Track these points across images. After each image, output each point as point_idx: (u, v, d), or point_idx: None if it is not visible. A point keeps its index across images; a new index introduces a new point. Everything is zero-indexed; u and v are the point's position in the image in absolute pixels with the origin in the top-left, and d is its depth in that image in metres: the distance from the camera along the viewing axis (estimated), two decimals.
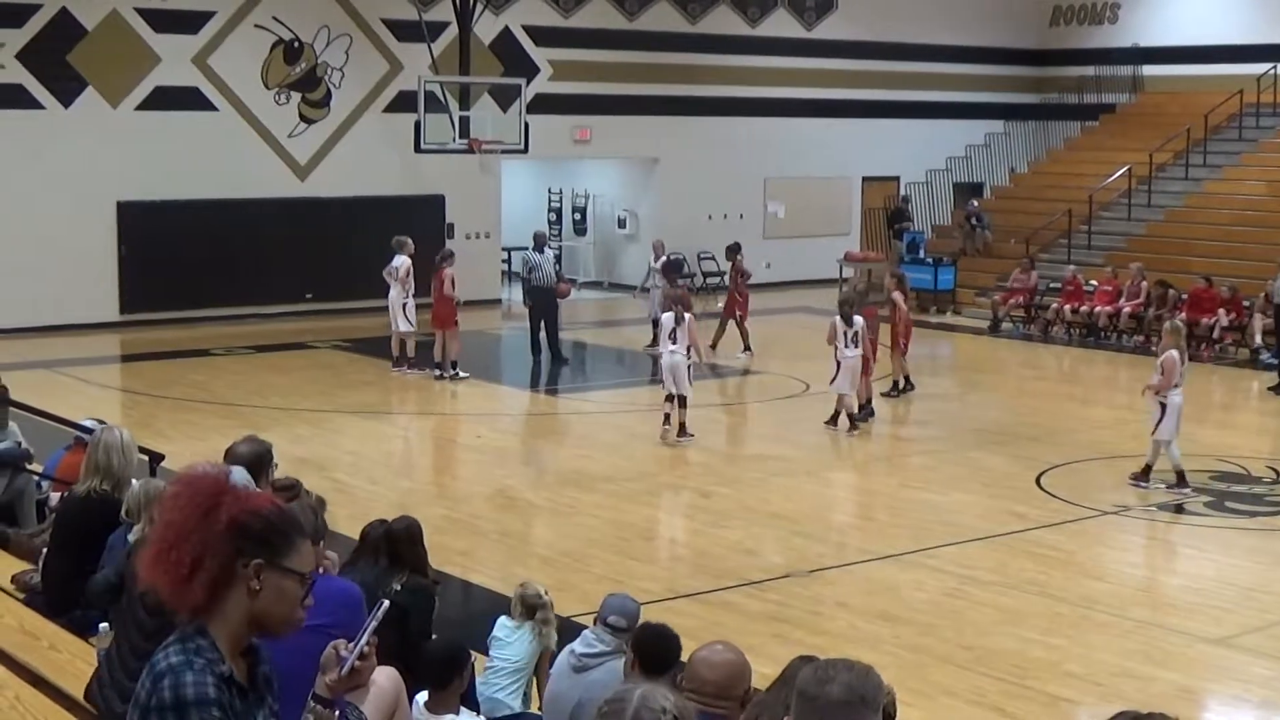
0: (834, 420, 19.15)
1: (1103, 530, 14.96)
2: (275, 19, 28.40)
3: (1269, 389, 22.66)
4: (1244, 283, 25.84)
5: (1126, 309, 26.94)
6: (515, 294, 32.56)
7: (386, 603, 3.89)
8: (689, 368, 18.19)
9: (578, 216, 35.20)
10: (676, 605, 11.51)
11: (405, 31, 29.33)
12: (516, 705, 8.39)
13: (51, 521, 9.44)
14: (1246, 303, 25.56)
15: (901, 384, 21.64)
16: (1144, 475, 16.16)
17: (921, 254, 32.26)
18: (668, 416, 18.11)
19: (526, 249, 25.20)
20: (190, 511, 3.60)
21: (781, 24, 34.80)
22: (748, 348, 24.83)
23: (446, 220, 30.19)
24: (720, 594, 12.42)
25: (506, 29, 31.06)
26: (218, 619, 3.59)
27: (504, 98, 29.31)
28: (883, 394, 21.40)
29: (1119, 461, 17.18)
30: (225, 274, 27.69)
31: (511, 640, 8.62)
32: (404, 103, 28.70)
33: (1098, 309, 27.24)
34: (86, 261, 26.47)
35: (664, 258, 25.62)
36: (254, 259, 27.97)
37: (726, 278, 25.50)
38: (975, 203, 33.82)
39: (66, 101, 26.40)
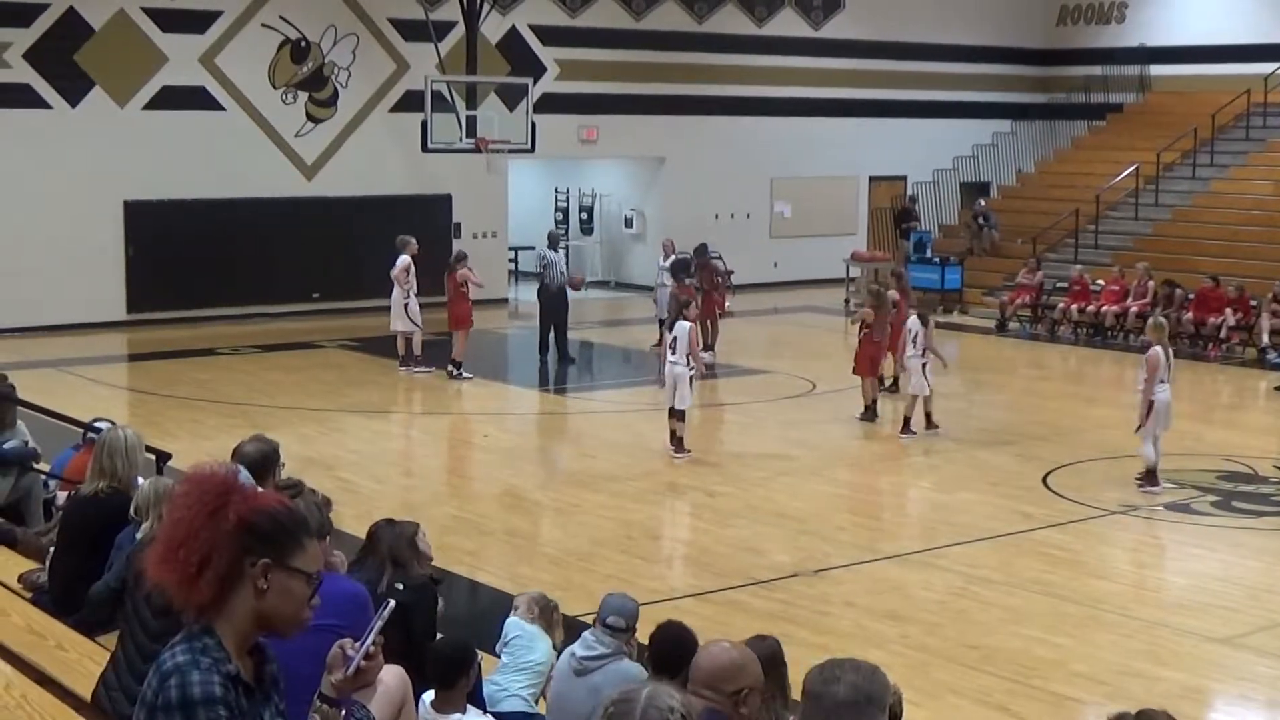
0: (905, 428, 18.97)
1: (1109, 530, 14.94)
2: (282, 18, 28.42)
3: (1276, 388, 22.65)
4: (1251, 282, 25.82)
5: (1133, 308, 26.91)
6: (522, 293, 32.64)
7: (392, 602, 3.90)
8: (690, 379, 17.70)
9: (584, 216, 35.22)
10: (683, 605, 11.51)
11: (412, 31, 29.35)
12: (538, 708, 8.38)
13: (58, 520, 9.45)
14: (1254, 302, 25.54)
15: (889, 383, 21.64)
16: (1149, 479, 16.09)
17: (928, 253, 32.27)
18: (673, 434, 17.60)
19: (540, 247, 25.15)
20: (198, 510, 3.60)
21: (788, 23, 34.79)
22: (710, 346, 24.55)
23: (453, 220, 30.21)
24: (726, 593, 12.42)
25: (513, 28, 31.07)
26: (224, 618, 3.59)
27: (511, 97, 29.34)
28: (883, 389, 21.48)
29: (1125, 461, 17.16)
30: (232, 273, 27.73)
31: (532, 643, 8.59)
32: (411, 102, 28.72)
33: (1104, 309, 27.21)
34: (93, 261, 26.51)
35: (673, 257, 25.57)
36: (261, 258, 28.00)
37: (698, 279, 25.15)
38: (982, 202, 33.80)
39: (74, 101, 26.44)
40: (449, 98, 28.03)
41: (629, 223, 34.32)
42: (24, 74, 25.94)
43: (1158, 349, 16.03)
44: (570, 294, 24.90)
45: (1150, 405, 15.86)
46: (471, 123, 28.10)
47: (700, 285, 24.61)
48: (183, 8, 27.25)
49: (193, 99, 27.50)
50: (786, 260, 34.46)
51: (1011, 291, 29.12)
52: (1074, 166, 34.45)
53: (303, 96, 28.89)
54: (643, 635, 7.63)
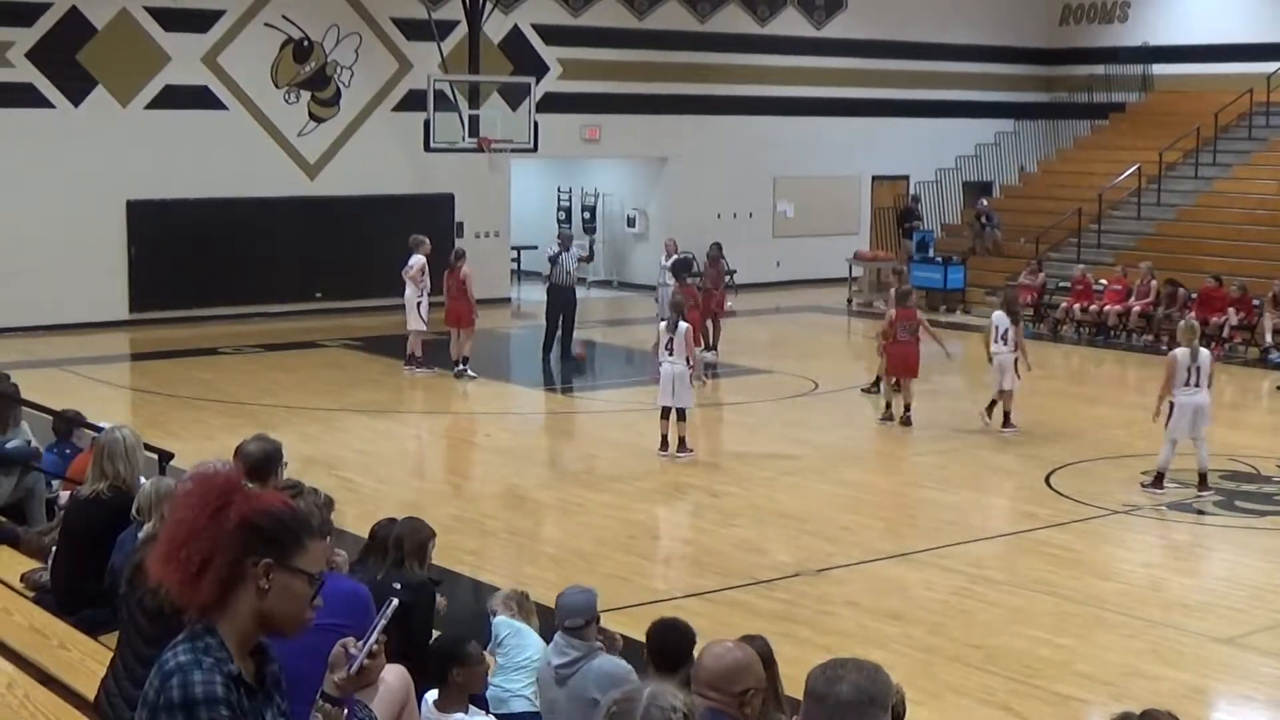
0: (1007, 421, 18.98)
1: (1112, 530, 14.93)
2: (285, 18, 28.43)
3: (1278, 388, 22.63)
4: (1254, 282, 25.80)
5: (1136, 308, 26.92)
6: (524, 293, 32.64)
7: (395, 601, 3.89)
8: (690, 379, 17.65)
9: (587, 215, 35.21)
10: (685, 604, 11.50)
11: (415, 30, 29.35)
12: (535, 702, 8.38)
13: (60, 521, 9.45)
14: (1256, 302, 25.52)
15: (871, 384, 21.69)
16: (1201, 483, 15.89)
17: (931, 253, 32.26)
18: (665, 439, 17.49)
19: (552, 247, 25.11)
20: (201, 510, 3.60)
21: (791, 23, 34.79)
22: (713, 346, 24.56)
23: (456, 219, 30.21)
24: (729, 593, 12.41)
25: (516, 28, 31.07)
26: (227, 618, 3.59)
27: (513, 96, 29.36)
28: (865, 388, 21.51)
29: (1128, 461, 17.16)
30: (234, 273, 27.74)
31: (523, 640, 8.60)
32: (413, 101, 28.73)
33: (1107, 308, 27.21)
34: (96, 260, 26.52)
35: (675, 257, 25.56)
36: (263, 258, 28.01)
37: (704, 278, 25.13)
38: (984, 202, 33.78)
39: (76, 100, 26.45)
40: (451, 97, 28.05)
41: (631, 222, 34.32)
42: (27, 73, 25.95)
43: (1174, 352, 16.00)
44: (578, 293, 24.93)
45: (1171, 407, 15.77)
46: (474, 122, 28.11)
47: (704, 285, 24.61)
48: (185, 7, 27.26)
49: (195, 98, 27.51)
50: (789, 260, 34.46)
51: (1013, 289, 29.06)
52: (1077, 166, 34.44)
53: (305, 96, 28.90)
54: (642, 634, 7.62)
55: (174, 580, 3.58)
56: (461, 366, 22.34)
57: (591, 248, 25.97)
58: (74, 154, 26.19)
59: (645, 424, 18.11)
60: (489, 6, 29.10)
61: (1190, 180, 31.66)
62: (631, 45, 32.36)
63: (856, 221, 36.10)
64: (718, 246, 25.97)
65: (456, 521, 14.19)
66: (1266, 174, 30.95)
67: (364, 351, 24.99)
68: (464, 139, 27.91)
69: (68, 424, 12.48)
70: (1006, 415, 18.94)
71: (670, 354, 17.39)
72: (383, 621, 3.79)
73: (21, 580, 9.19)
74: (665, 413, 17.48)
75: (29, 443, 12.00)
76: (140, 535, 7.38)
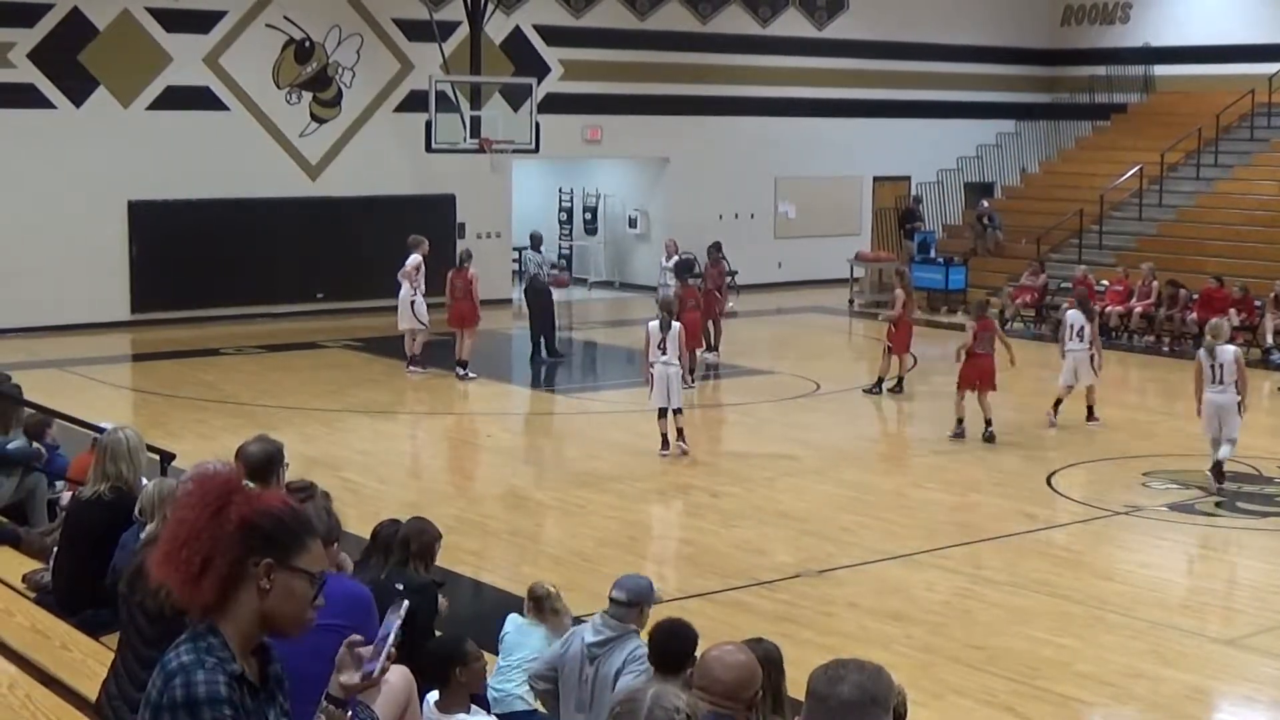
0: (1090, 416, 19.39)
1: (1114, 531, 14.94)
2: (286, 19, 28.44)
3: (1279, 389, 22.62)
4: (1255, 282, 25.80)
5: (1137, 309, 26.91)
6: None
7: (407, 603, 3.89)
8: (681, 378, 17.71)
9: (588, 216, 35.22)
10: (687, 605, 11.49)
11: (416, 31, 29.36)
12: (532, 701, 8.38)
13: (61, 521, 9.45)
14: (1258, 302, 25.52)
15: (889, 384, 21.69)
16: (1217, 475, 16.21)
17: (932, 254, 32.26)
18: (666, 439, 17.53)
19: (526, 248, 25.07)
20: (201, 510, 3.60)
21: (792, 23, 34.79)
22: (715, 347, 24.56)
23: (457, 220, 30.21)
24: (730, 594, 12.42)
25: (517, 28, 31.07)
26: (228, 618, 3.59)
27: (515, 97, 29.36)
28: (889, 390, 21.55)
29: (1130, 462, 17.18)
30: (236, 273, 27.74)
31: (523, 639, 8.62)
32: (415, 102, 28.74)
33: (1109, 309, 27.18)
34: (98, 261, 26.53)
35: (676, 257, 25.55)
36: (265, 258, 28.01)
37: (705, 279, 25.06)
38: (986, 203, 33.79)
39: (78, 101, 26.46)
40: (453, 98, 28.06)
41: (633, 223, 34.33)
42: (28, 74, 25.96)
43: (1199, 352, 16.55)
44: (555, 293, 24.89)
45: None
46: (476, 123, 28.12)
47: (705, 285, 24.58)
48: (187, 8, 27.27)
49: (197, 99, 27.51)
50: (790, 260, 34.45)
51: (1016, 288, 29.08)
52: (1078, 167, 34.44)
53: (307, 97, 28.91)
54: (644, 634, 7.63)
55: (175, 580, 3.58)
56: (463, 371, 22.32)
57: (560, 257, 25.85)
58: (75, 155, 26.20)
59: (646, 424, 18.10)
60: (490, 7, 29.11)
61: (1191, 181, 31.67)
62: (633, 46, 32.37)
63: (858, 222, 36.10)
64: (718, 246, 25.94)
65: (457, 522, 14.18)
66: (1268, 175, 30.95)
67: (365, 352, 25.00)
68: (465, 140, 27.92)
69: (39, 425, 12.48)
70: (1090, 409, 19.41)
71: (664, 354, 17.43)
72: (397, 622, 3.79)
73: (23, 581, 9.19)
74: (662, 413, 17.51)
75: (31, 443, 12.00)
76: (142, 536, 7.38)
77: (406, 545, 8.41)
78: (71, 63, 26.30)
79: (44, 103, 26.15)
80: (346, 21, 29.08)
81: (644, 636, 8.10)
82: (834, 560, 13.51)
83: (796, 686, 5.76)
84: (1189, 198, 31.28)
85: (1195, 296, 26.16)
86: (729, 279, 26.50)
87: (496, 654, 8.78)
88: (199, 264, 27.32)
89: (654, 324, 17.63)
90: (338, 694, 3.73)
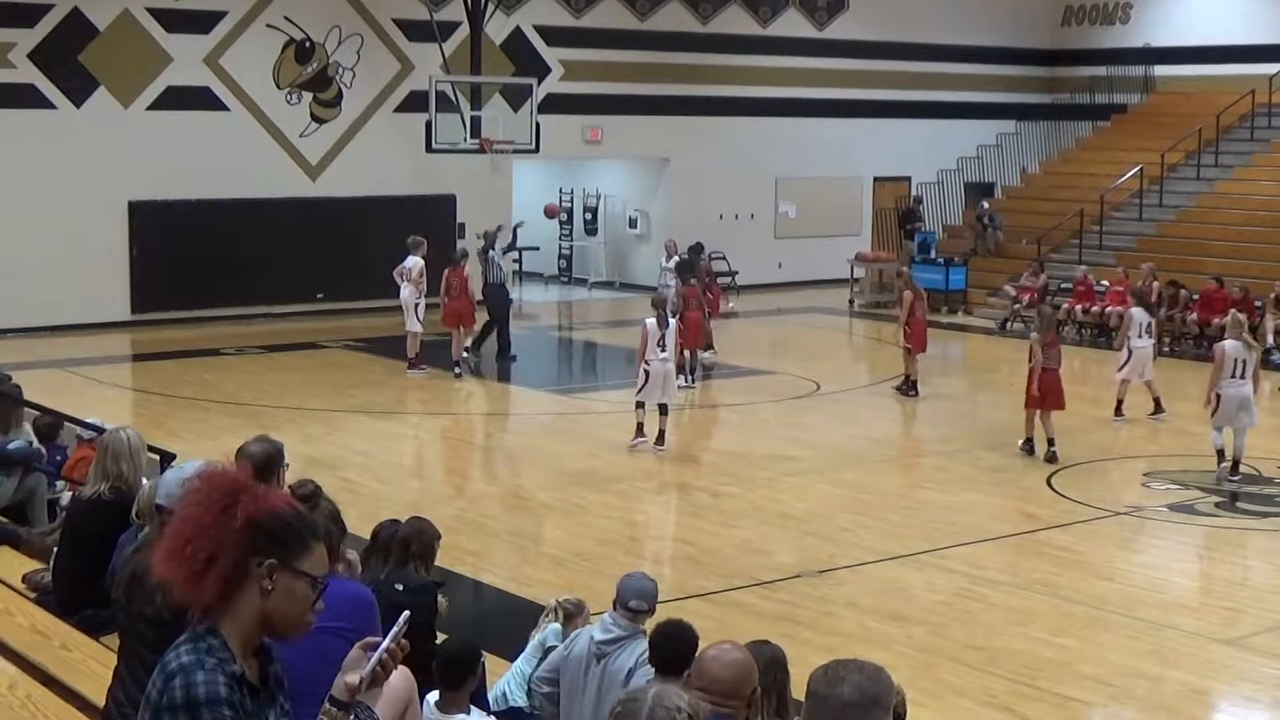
0: (1157, 409, 19.67)
1: (1114, 531, 14.94)
2: (287, 19, 28.44)
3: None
4: (1255, 283, 25.79)
5: None
6: (527, 294, 32.66)
7: (408, 613, 3.89)
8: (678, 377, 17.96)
9: (589, 216, 35.22)
10: (687, 605, 11.49)
11: (416, 31, 29.36)
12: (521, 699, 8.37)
13: (62, 522, 9.45)
14: (1258, 303, 25.50)
15: (899, 382, 21.70)
16: (1232, 469, 16.47)
17: (933, 254, 32.26)
18: (642, 427, 17.74)
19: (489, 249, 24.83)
20: (207, 507, 3.60)
21: (793, 24, 34.79)
22: (710, 346, 24.54)
23: (458, 220, 30.21)
24: (730, 594, 12.43)
25: (518, 29, 31.07)
26: (229, 618, 3.59)
27: (515, 98, 29.36)
28: (896, 389, 21.58)
29: (1130, 462, 17.19)
30: (236, 274, 27.73)
31: (530, 648, 8.57)
32: (415, 102, 28.74)
33: (1109, 309, 27.18)
34: (98, 261, 26.52)
35: (676, 257, 25.55)
36: (265, 259, 28.01)
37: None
38: (986, 204, 33.77)
39: (78, 101, 26.46)
40: (453, 98, 28.06)
41: (633, 223, 34.33)
42: (29, 74, 25.96)
43: (1226, 344, 16.81)
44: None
45: (1217, 399, 16.37)
46: (476, 123, 28.12)
47: (700, 285, 24.54)
48: (187, 8, 27.27)
49: (197, 99, 27.51)
50: (791, 261, 34.45)
51: (1018, 287, 29.05)
52: (1078, 167, 34.43)
53: (307, 97, 28.91)
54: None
55: (178, 577, 3.58)
56: (459, 369, 22.31)
57: (515, 232, 25.62)
58: (76, 155, 26.19)
59: (647, 425, 18.08)
60: (491, 8, 29.11)
61: (1192, 181, 31.66)
62: (633, 46, 32.37)
63: (858, 223, 36.09)
64: (699, 246, 26.04)
65: (458, 522, 14.19)
66: (1268, 175, 30.95)
67: (365, 352, 25.00)
68: (466, 140, 27.92)
69: (52, 426, 12.50)
70: (1157, 401, 19.74)
71: (663, 351, 17.57)
72: (396, 629, 3.79)
73: (23, 581, 9.19)
74: (640, 405, 17.71)
75: (31, 443, 12.01)
76: (139, 537, 7.37)
77: (406, 545, 8.40)
78: (72, 63, 26.30)
79: (44, 103, 26.15)
80: (347, 22, 29.08)
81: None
82: (834, 560, 13.51)
83: (797, 687, 5.75)
84: (1189, 198, 31.27)
85: (1195, 297, 26.15)
86: (729, 279, 26.47)
87: (498, 655, 8.77)
88: (199, 264, 27.31)
89: (652, 321, 17.76)
90: (341, 696, 3.73)
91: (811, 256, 34.36)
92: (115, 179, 26.54)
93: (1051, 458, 17.31)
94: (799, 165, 34.58)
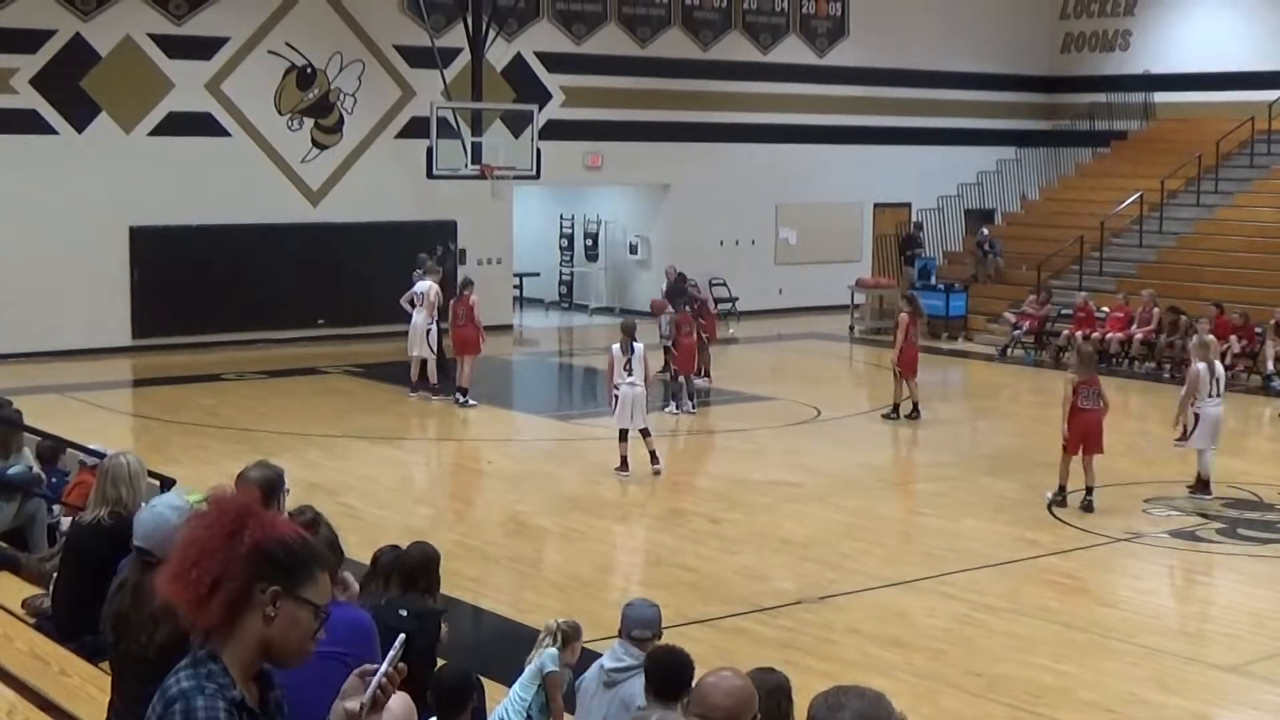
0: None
1: (1115, 557, 14.92)
2: (288, 45, 28.51)
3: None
4: (1255, 309, 25.80)
5: (1138, 335, 26.92)
6: (527, 319, 32.70)
7: (404, 636, 3.88)
8: (646, 400, 17.97)
9: (589, 242, 35.26)
10: (687, 631, 11.48)
11: (418, 58, 29.42)
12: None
13: (61, 547, 9.44)
14: (1258, 329, 25.52)
15: (905, 409, 21.68)
16: (1202, 488, 16.65)
17: (933, 280, 32.29)
18: (626, 461, 17.74)
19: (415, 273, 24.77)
20: (215, 531, 3.60)
21: (793, 50, 34.88)
22: (707, 373, 24.53)
23: (458, 246, 30.24)
24: (731, 620, 12.41)
25: (519, 55, 31.15)
26: (231, 643, 3.59)
27: (516, 124, 29.40)
28: (883, 415, 21.59)
29: (1131, 488, 17.16)
30: (237, 299, 27.75)
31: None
32: (416, 128, 28.80)
33: (1109, 335, 27.21)
34: (99, 286, 26.54)
35: (672, 283, 25.58)
36: (266, 284, 28.02)
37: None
38: (986, 229, 33.82)
39: (80, 127, 26.51)
40: (454, 124, 28.11)
41: (634, 249, 34.35)
42: (31, 100, 26.02)
43: (1196, 367, 16.86)
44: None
45: (1196, 418, 16.51)
46: (477, 149, 28.16)
47: (695, 313, 24.53)
48: (189, 34, 27.35)
49: (199, 125, 27.57)
50: (791, 286, 34.49)
51: (1019, 314, 29.08)
52: (1078, 193, 34.49)
53: (308, 123, 28.97)
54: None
55: (183, 599, 3.58)
56: (463, 398, 22.30)
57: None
58: (77, 180, 26.24)
59: (646, 450, 18.08)
60: (492, 34, 29.18)
61: (1192, 208, 31.70)
62: (634, 73, 32.44)
63: (858, 249, 36.15)
64: (681, 276, 26.16)
65: (458, 548, 14.18)
66: (1268, 201, 30.98)
67: (366, 378, 25.00)
68: (467, 166, 27.96)
69: (53, 450, 12.49)
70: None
71: (630, 375, 17.63)
72: (391, 654, 3.78)
73: (22, 606, 9.17)
74: (623, 435, 17.70)
75: (30, 468, 12.00)
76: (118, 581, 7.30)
77: (414, 573, 8.40)
78: (74, 89, 26.36)
79: (46, 128, 26.20)
80: (348, 48, 29.15)
81: None
82: (835, 586, 13.50)
83: (798, 713, 5.74)
84: (1189, 224, 31.31)
85: (1196, 323, 26.13)
86: (728, 305, 26.48)
87: (498, 680, 8.75)
88: (200, 289, 27.33)
89: (616, 347, 17.94)
90: None
91: (812, 282, 34.40)
92: (117, 204, 26.57)
93: (1088, 506, 16.20)
94: (799, 191, 34.64)
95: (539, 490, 17.73)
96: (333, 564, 6.46)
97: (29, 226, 25.85)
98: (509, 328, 31.28)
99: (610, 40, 32.40)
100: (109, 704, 6.52)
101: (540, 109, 29.93)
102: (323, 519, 7.08)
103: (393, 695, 3.80)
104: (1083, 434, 16.31)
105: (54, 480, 12.14)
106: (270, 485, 7.50)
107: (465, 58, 29.25)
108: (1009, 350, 28.65)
